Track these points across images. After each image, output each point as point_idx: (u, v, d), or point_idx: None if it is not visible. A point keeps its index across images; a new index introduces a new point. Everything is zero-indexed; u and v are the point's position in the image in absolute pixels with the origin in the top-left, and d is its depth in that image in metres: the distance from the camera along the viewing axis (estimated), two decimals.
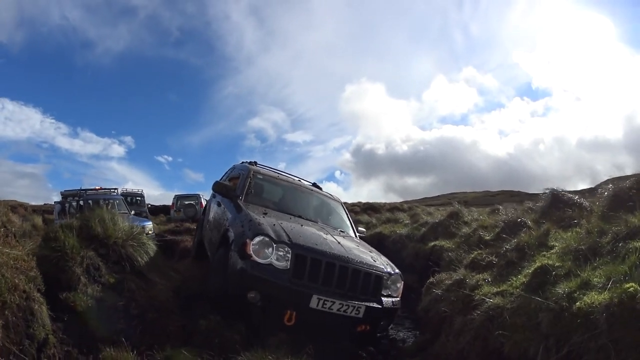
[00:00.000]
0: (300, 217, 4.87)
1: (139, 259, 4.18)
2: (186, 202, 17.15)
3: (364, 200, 28.38)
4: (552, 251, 3.83)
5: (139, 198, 18.40)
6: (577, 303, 2.60)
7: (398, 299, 4.11)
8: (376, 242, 6.93)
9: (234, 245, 3.79)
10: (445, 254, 5.72)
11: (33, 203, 26.59)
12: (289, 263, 3.59)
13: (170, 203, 19.20)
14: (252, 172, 5.40)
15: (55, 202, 14.24)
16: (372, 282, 3.86)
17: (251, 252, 3.55)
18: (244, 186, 5.09)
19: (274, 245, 3.62)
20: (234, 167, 6.52)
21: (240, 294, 3.55)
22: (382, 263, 4.17)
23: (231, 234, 4.01)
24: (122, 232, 4.14)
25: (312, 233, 4.13)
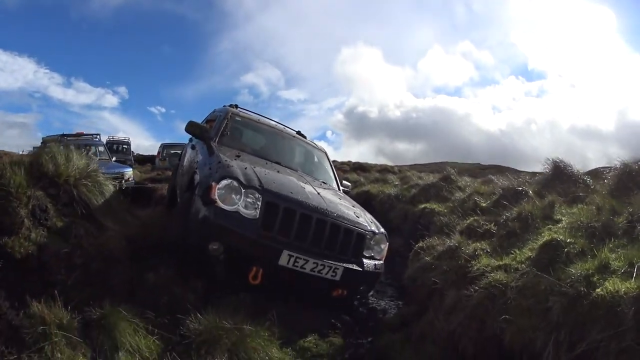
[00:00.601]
0: (278, 163, 4.32)
1: (94, 200, 3.62)
2: (172, 151, 16.27)
3: (354, 160, 27.64)
4: (559, 225, 3.35)
5: (125, 146, 17.83)
6: (598, 289, 2.12)
7: (381, 262, 3.68)
8: (362, 201, 6.35)
9: (199, 189, 3.32)
10: (437, 217, 5.15)
11: (20, 152, 25.16)
12: (258, 212, 3.11)
13: None
14: (230, 114, 4.83)
15: (33, 147, 13.44)
16: (353, 240, 3.41)
17: (216, 197, 3.08)
18: (219, 128, 4.56)
19: (243, 191, 3.14)
20: (213, 110, 5.94)
21: (201, 245, 3.10)
22: (365, 220, 3.69)
23: (197, 177, 3.55)
24: (75, 170, 3.54)
25: (288, 180, 3.63)
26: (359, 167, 21.29)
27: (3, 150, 26.33)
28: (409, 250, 4.38)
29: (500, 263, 2.95)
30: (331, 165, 5.38)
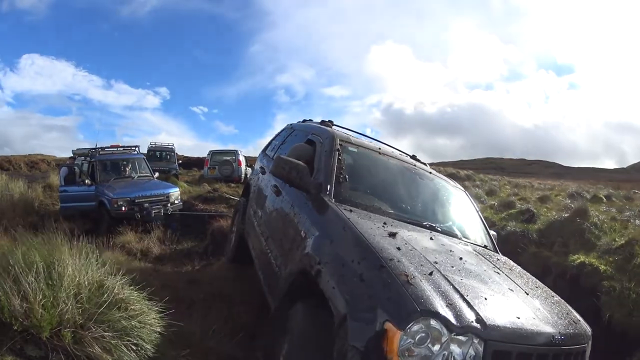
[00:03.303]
0: (432, 228, 2.49)
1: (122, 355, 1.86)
2: (222, 158, 14.09)
3: None
4: None
5: (170, 153, 15.97)
6: None
7: None
8: None
9: (354, 330, 1.50)
10: (607, 282, 3.57)
11: (60, 155, 24.14)
12: None
13: (204, 155, 16.80)
14: (336, 142, 2.73)
15: (60, 165, 11.02)
16: None
17: (397, 357, 1.40)
18: (329, 167, 2.50)
19: (449, 337, 1.45)
20: (292, 128, 3.86)
21: None
22: (579, 320, 2.09)
23: (336, 292, 1.65)
24: (72, 306, 1.79)
25: (492, 281, 1.94)
26: None
27: (41, 154, 25.29)
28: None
29: None
30: (478, 212, 3.29)
